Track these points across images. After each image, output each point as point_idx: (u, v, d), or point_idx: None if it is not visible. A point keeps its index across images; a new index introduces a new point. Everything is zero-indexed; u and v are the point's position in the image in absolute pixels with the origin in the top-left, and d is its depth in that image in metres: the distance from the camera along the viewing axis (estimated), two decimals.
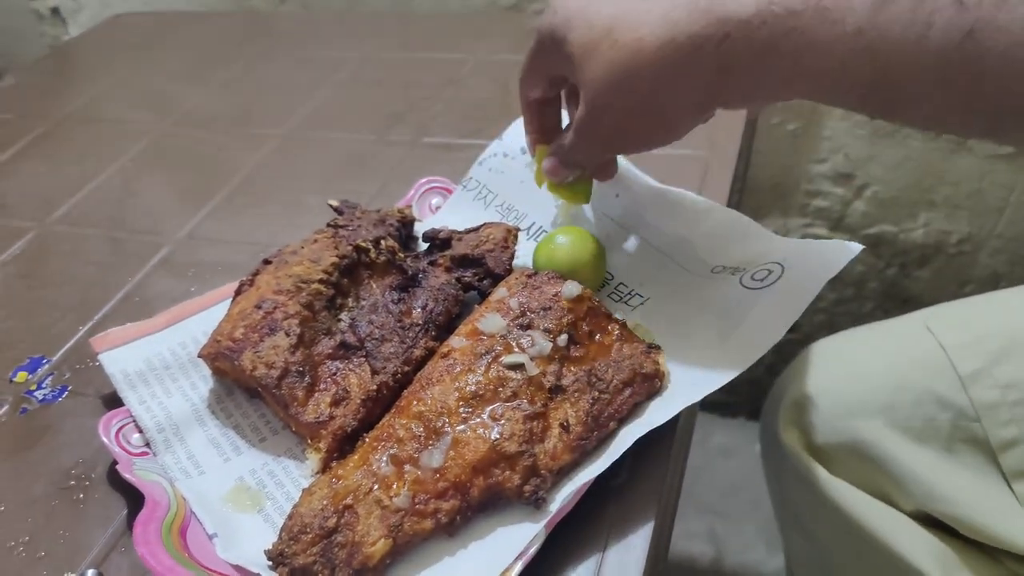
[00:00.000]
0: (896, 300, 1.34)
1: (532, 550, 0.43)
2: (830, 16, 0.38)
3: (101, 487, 0.53)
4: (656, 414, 0.48)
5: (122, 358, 0.57)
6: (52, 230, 0.80)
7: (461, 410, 0.47)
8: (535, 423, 0.46)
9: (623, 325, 0.53)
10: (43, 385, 0.61)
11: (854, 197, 1.24)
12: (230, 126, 0.96)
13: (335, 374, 0.52)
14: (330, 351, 0.53)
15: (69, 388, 0.61)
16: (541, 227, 0.64)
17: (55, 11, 1.46)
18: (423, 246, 0.64)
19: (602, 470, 0.45)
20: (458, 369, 0.49)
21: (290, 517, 0.44)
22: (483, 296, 0.57)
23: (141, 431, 0.53)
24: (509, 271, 0.58)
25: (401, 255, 0.59)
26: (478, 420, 0.46)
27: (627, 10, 0.44)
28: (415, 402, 0.48)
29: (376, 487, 0.45)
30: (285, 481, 0.50)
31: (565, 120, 0.59)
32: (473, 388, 0.48)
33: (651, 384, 0.49)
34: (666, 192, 0.61)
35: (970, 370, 0.67)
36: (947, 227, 1.22)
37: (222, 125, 0.96)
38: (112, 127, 0.99)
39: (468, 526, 0.45)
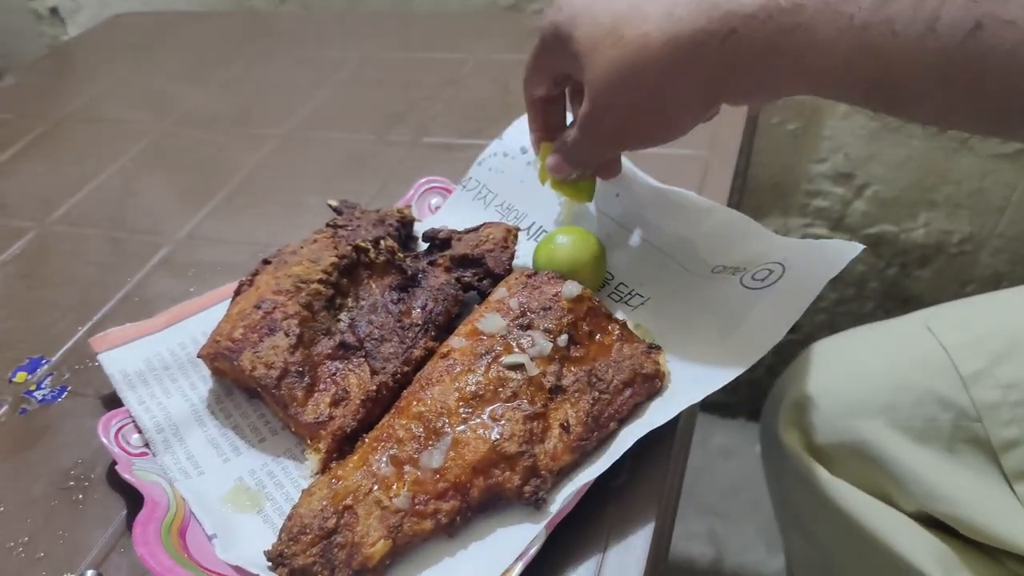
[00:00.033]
0: (897, 300, 1.34)
1: (532, 551, 0.43)
2: (835, 10, 0.38)
3: (100, 487, 0.53)
4: (656, 415, 0.48)
5: (121, 358, 0.57)
6: (52, 230, 0.80)
7: (461, 410, 0.47)
8: (535, 423, 0.46)
9: (623, 325, 0.52)
10: (42, 385, 0.61)
11: (854, 197, 1.24)
12: (230, 126, 0.96)
13: (334, 374, 0.52)
14: (329, 351, 0.53)
15: (68, 388, 0.61)
16: (541, 227, 0.64)
17: (54, 11, 1.46)
18: (423, 246, 0.64)
19: (602, 471, 0.45)
20: (458, 369, 0.49)
21: (289, 518, 0.44)
22: (483, 296, 0.57)
23: (140, 431, 0.53)
24: (509, 271, 0.57)
25: (400, 255, 0.59)
26: (478, 420, 0.46)
27: (632, 6, 0.44)
28: (415, 402, 0.48)
29: (376, 488, 0.44)
30: (284, 482, 0.50)
31: (569, 119, 0.59)
32: (473, 388, 0.47)
33: (651, 384, 0.49)
34: (667, 192, 0.60)
35: (971, 370, 0.67)
36: (948, 227, 1.22)
37: (222, 125, 0.96)
38: (112, 127, 0.99)
39: (468, 527, 0.45)
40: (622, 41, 0.44)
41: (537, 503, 0.44)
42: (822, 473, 0.72)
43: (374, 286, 0.57)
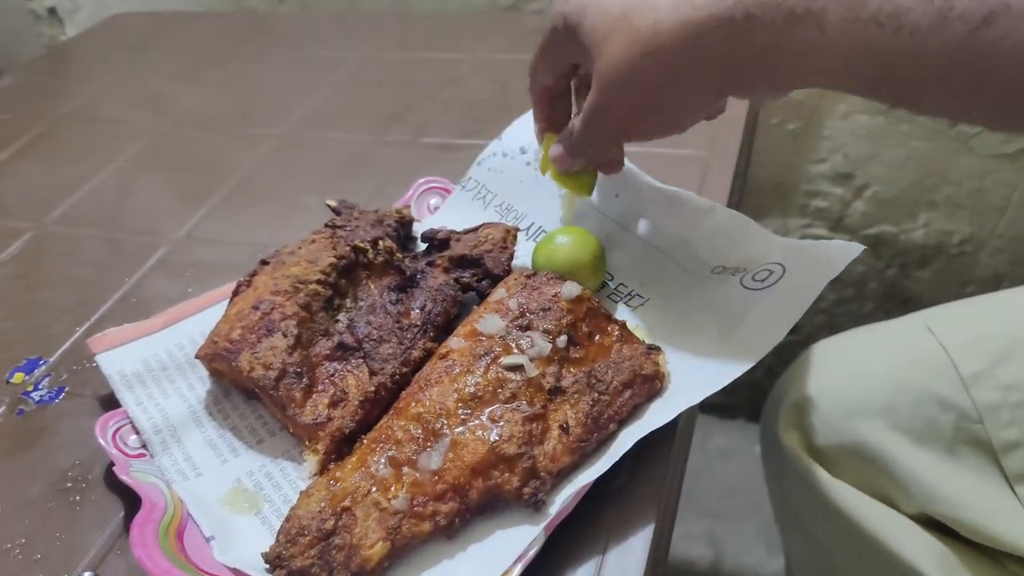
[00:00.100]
0: (896, 301, 1.34)
1: (531, 553, 0.42)
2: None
3: (98, 489, 0.52)
4: (656, 416, 0.47)
5: (119, 359, 0.57)
6: (49, 230, 0.80)
7: (460, 412, 0.46)
8: (534, 425, 0.46)
9: (623, 326, 0.52)
10: (40, 386, 0.61)
11: (854, 197, 1.24)
12: (228, 126, 0.95)
13: (333, 375, 0.52)
14: (328, 352, 0.53)
15: (66, 389, 0.60)
16: (540, 227, 0.64)
17: (52, 11, 1.45)
18: (421, 247, 0.64)
19: (602, 472, 0.45)
20: (457, 370, 0.48)
21: (288, 519, 0.44)
22: (482, 297, 0.56)
23: (138, 433, 0.52)
24: (508, 272, 0.57)
25: (399, 256, 0.58)
26: (477, 422, 0.46)
27: None
28: (413, 403, 0.47)
29: (374, 489, 0.44)
30: (283, 483, 0.49)
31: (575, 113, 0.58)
32: (472, 389, 0.47)
33: (651, 385, 0.49)
34: (666, 192, 0.60)
35: (972, 371, 0.67)
36: (948, 227, 1.22)
37: (220, 125, 0.96)
38: (109, 127, 0.98)
39: (467, 528, 0.45)
40: (633, 28, 0.44)
41: (536, 505, 0.44)
42: (822, 474, 0.72)
43: (373, 287, 0.57)
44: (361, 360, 0.52)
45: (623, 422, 0.48)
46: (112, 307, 0.68)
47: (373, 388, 0.50)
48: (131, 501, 0.48)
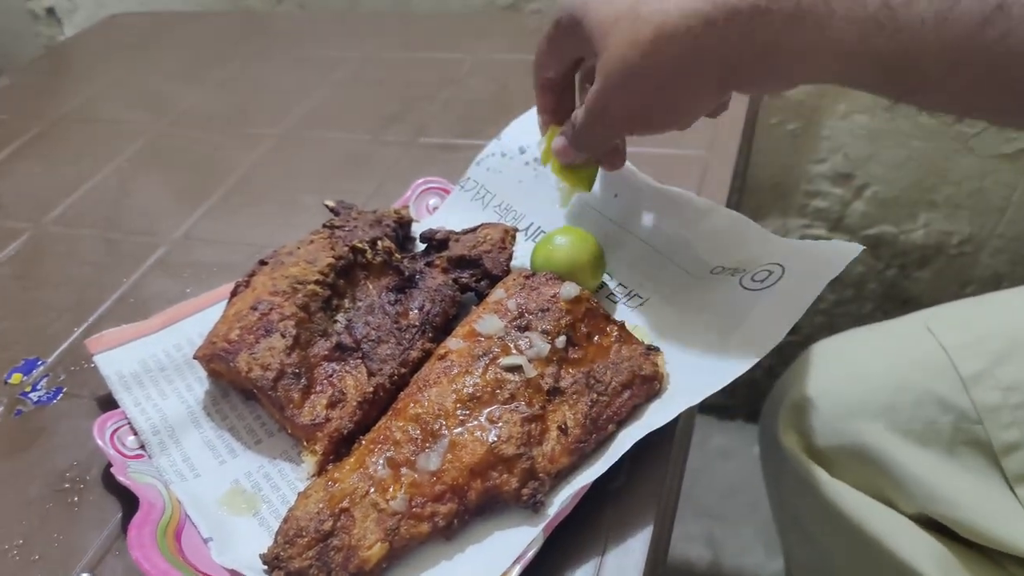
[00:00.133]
0: (896, 301, 1.34)
1: (530, 554, 0.42)
2: None
3: (96, 490, 0.52)
4: (655, 416, 0.47)
5: (117, 359, 0.56)
6: (47, 231, 0.80)
7: (458, 412, 0.46)
8: (533, 425, 0.46)
9: (622, 326, 0.52)
10: (38, 387, 0.61)
11: (853, 198, 1.24)
12: (226, 126, 0.95)
13: (331, 376, 0.52)
14: (326, 353, 0.52)
15: (64, 390, 0.60)
16: (539, 227, 0.64)
17: (50, 11, 1.45)
18: (420, 247, 0.64)
19: (600, 473, 0.45)
20: (455, 371, 0.48)
21: (286, 520, 0.44)
22: (480, 297, 0.56)
23: (136, 433, 0.52)
24: (507, 272, 0.57)
25: (398, 256, 0.58)
26: (475, 422, 0.46)
27: None
28: (412, 404, 0.47)
29: (372, 490, 0.44)
30: (281, 484, 0.49)
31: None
32: (470, 390, 0.47)
33: (650, 386, 0.49)
34: (666, 192, 0.60)
35: (972, 371, 0.67)
36: (948, 227, 1.22)
37: (218, 125, 0.96)
38: (108, 127, 0.98)
39: (465, 530, 0.45)
40: (640, 18, 0.43)
41: (535, 506, 0.44)
42: (821, 475, 0.72)
43: (371, 287, 0.57)
44: (359, 361, 0.52)
45: (622, 423, 0.48)
46: (110, 307, 0.68)
47: (371, 389, 0.50)
48: (129, 502, 0.48)
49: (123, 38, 1.25)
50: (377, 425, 0.48)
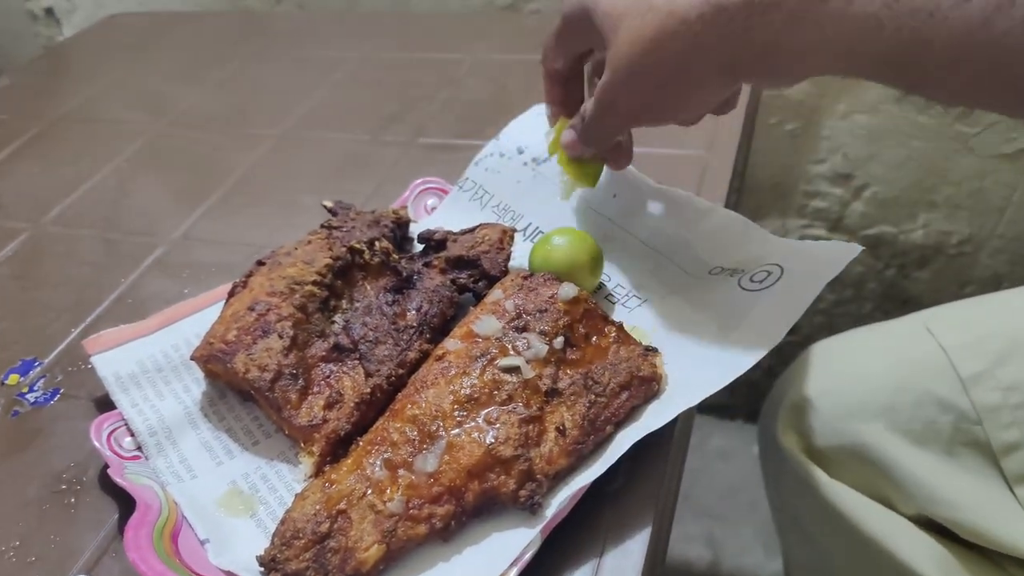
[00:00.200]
0: (895, 301, 1.34)
1: (528, 556, 0.42)
2: None
3: (93, 491, 0.52)
4: (653, 418, 0.47)
5: (114, 360, 0.56)
6: (46, 231, 0.79)
7: (456, 413, 0.46)
8: (531, 427, 0.46)
9: (620, 327, 0.52)
10: (35, 387, 0.61)
11: (853, 198, 1.24)
12: (225, 126, 0.95)
13: (329, 377, 0.51)
14: (324, 353, 0.52)
15: (61, 391, 0.60)
16: (537, 228, 0.64)
17: (49, 12, 1.45)
18: (418, 247, 0.63)
19: (599, 474, 0.45)
20: (453, 372, 0.48)
21: (283, 522, 0.44)
22: (478, 298, 0.56)
23: (133, 434, 0.52)
24: (505, 272, 0.57)
25: (395, 256, 0.58)
26: (473, 424, 0.46)
27: None
28: (409, 405, 0.47)
29: (370, 491, 0.44)
30: (278, 485, 0.49)
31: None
32: (468, 391, 0.47)
33: (648, 387, 0.49)
34: (664, 193, 0.60)
35: (971, 372, 0.67)
36: (947, 227, 1.22)
37: (217, 125, 0.96)
38: (107, 127, 0.98)
39: (463, 531, 0.45)
40: (647, 14, 0.43)
41: (532, 507, 0.44)
42: (821, 476, 0.72)
43: (369, 288, 0.57)
44: (357, 362, 0.52)
45: (620, 424, 0.48)
46: (108, 307, 0.68)
47: (369, 390, 0.50)
48: (126, 503, 0.48)
49: (122, 38, 1.25)
50: (374, 426, 0.48)
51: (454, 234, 0.61)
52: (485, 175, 0.68)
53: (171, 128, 0.96)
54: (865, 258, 1.30)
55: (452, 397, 0.47)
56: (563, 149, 0.55)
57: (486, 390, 0.47)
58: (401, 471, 0.44)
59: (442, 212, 0.69)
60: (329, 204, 0.65)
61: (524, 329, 0.50)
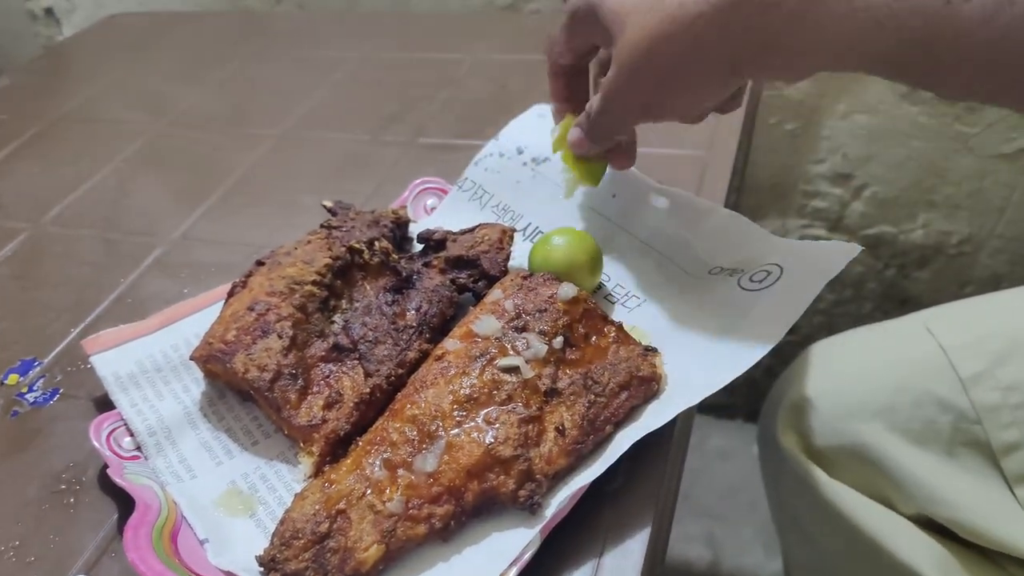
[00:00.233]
0: (895, 301, 1.34)
1: (527, 556, 0.42)
2: None
3: (92, 491, 0.52)
4: (653, 418, 0.47)
5: (114, 360, 0.56)
6: (46, 231, 0.79)
7: (455, 413, 0.46)
8: (530, 427, 0.46)
9: (619, 327, 0.52)
10: (35, 387, 0.61)
11: (853, 198, 1.24)
12: (225, 126, 0.95)
13: (328, 377, 0.51)
14: (323, 353, 0.52)
15: (61, 391, 0.60)
16: (537, 228, 0.64)
17: (49, 11, 1.45)
18: (418, 247, 0.63)
19: (598, 474, 0.45)
20: (452, 372, 0.48)
21: (282, 522, 0.44)
22: (478, 298, 0.56)
23: (132, 434, 0.52)
24: (504, 272, 0.57)
25: (395, 256, 0.58)
26: (472, 424, 0.46)
27: None
28: (409, 405, 0.47)
29: (369, 491, 0.44)
30: (277, 485, 0.49)
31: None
32: (467, 391, 0.47)
33: (648, 387, 0.49)
34: (664, 193, 0.60)
35: (971, 372, 0.67)
36: (947, 227, 1.22)
37: (217, 125, 0.96)
38: (107, 127, 0.98)
39: (462, 531, 0.45)
40: (653, 10, 0.44)
41: (532, 507, 0.44)
42: (820, 476, 0.72)
43: (368, 288, 0.57)
44: (356, 361, 0.52)
45: (619, 424, 0.48)
46: (108, 308, 0.68)
47: (368, 390, 0.50)
48: (125, 503, 0.48)
49: (122, 38, 1.25)
50: (374, 426, 0.48)
51: (454, 234, 0.61)
52: (485, 175, 0.68)
53: (171, 128, 0.96)
54: (865, 258, 1.30)
55: (451, 397, 0.47)
56: (570, 147, 0.55)
57: (485, 390, 0.47)
58: (400, 471, 0.44)
59: (442, 212, 0.69)
60: (329, 204, 0.65)
61: (523, 329, 0.50)
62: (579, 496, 0.44)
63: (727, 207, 0.59)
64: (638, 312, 0.56)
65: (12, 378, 0.62)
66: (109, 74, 1.13)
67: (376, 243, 0.58)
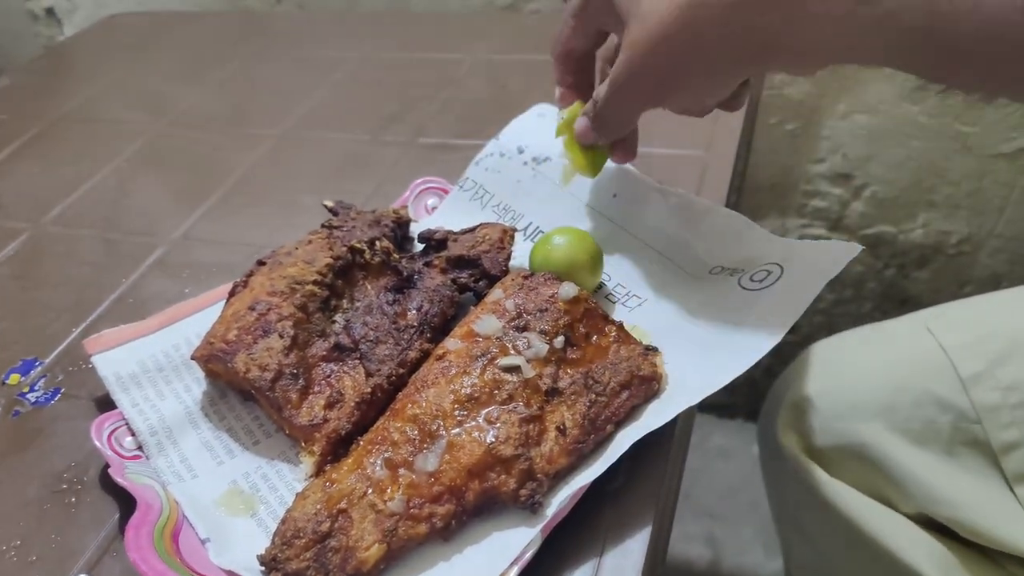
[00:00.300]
0: (895, 301, 1.34)
1: (528, 555, 0.42)
2: None
3: (93, 490, 0.52)
4: (653, 417, 0.47)
5: (115, 360, 0.56)
6: (46, 231, 0.79)
7: (456, 413, 0.46)
8: (531, 426, 0.46)
9: (620, 327, 0.52)
10: (36, 387, 0.61)
11: (853, 197, 1.24)
12: (225, 126, 0.95)
13: (329, 376, 0.51)
14: (324, 353, 0.52)
15: (62, 390, 0.60)
16: (538, 227, 0.64)
17: (50, 11, 1.45)
18: (418, 247, 0.63)
19: (599, 474, 0.45)
20: (453, 371, 0.48)
21: (283, 521, 0.44)
22: (479, 297, 0.56)
23: (134, 434, 0.52)
24: (505, 272, 0.57)
25: (396, 256, 0.58)
26: (473, 423, 0.46)
27: None
28: (410, 405, 0.47)
29: (370, 491, 0.44)
30: (279, 485, 0.49)
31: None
32: (468, 391, 0.47)
33: (649, 387, 0.49)
34: (664, 192, 0.60)
35: (971, 372, 0.67)
36: (946, 227, 1.22)
37: (217, 125, 0.96)
38: (107, 127, 0.98)
39: (463, 531, 0.45)
40: None
41: (533, 507, 0.44)
42: (821, 475, 0.72)
43: (369, 287, 0.57)
44: (357, 361, 0.52)
45: (620, 423, 0.48)
46: (109, 307, 0.68)
47: (369, 389, 0.50)
48: (126, 503, 0.48)
49: (122, 38, 1.25)
50: (375, 426, 0.48)
51: (454, 234, 0.61)
52: (485, 175, 0.68)
53: (171, 128, 0.96)
54: (865, 258, 1.30)
55: (452, 396, 0.47)
56: (576, 138, 0.55)
57: (486, 389, 0.47)
58: (402, 470, 0.45)
59: (442, 212, 0.69)
60: (329, 204, 0.65)
61: (524, 328, 0.50)
62: (580, 495, 0.44)
63: (727, 207, 0.59)
64: (639, 312, 0.56)
65: (13, 378, 0.62)
66: (109, 74, 1.13)
67: (377, 243, 0.58)
